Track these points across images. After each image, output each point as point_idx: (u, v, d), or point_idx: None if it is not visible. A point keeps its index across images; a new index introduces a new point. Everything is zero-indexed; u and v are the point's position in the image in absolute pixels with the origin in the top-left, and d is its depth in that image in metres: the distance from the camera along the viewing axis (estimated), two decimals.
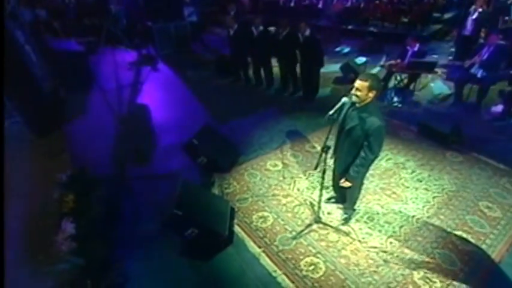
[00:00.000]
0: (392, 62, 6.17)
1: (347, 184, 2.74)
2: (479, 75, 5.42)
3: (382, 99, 5.82)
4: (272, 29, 6.60)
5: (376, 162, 4.08)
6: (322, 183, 2.88)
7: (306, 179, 3.86)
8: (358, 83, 2.35)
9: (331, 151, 2.76)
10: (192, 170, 4.07)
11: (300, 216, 3.30)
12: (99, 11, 9.71)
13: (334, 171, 3.09)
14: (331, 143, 2.68)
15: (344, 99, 2.46)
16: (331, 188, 3.40)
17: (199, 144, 3.96)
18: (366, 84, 2.31)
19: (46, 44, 7.17)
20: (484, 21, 6.85)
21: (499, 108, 5.41)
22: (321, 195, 2.98)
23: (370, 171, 3.91)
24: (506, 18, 8.20)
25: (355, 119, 2.48)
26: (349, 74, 6.83)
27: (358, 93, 2.35)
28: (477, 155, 4.28)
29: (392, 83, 6.50)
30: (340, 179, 2.87)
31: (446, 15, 11.45)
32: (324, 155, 2.62)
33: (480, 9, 6.87)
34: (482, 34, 7.12)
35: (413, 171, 3.98)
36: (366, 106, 2.43)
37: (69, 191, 3.33)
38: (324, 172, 2.77)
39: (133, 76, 7.80)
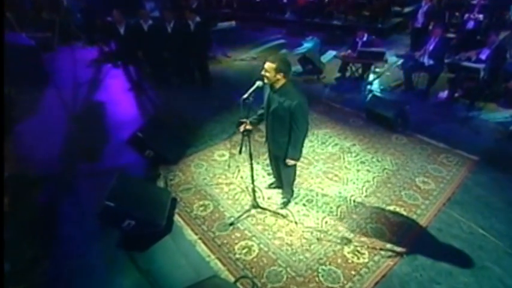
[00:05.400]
0: (344, 53, 6.33)
1: (292, 162, 2.76)
2: (426, 64, 5.65)
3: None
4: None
5: (322, 147, 4.27)
6: (251, 166, 2.90)
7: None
8: (266, 65, 2.42)
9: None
10: (140, 164, 4.02)
11: (240, 202, 3.31)
12: (57, 5, 9.33)
13: (269, 154, 3.12)
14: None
15: (258, 82, 2.50)
16: (272, 175, 3.44)
17: (145, 137, 3.89)
18: (273, 65, 2.38)
19: None
20: (432, 15, 7.14)
21: (445, 93, 5.66)
22: (252, 178, 3.00)
23: (315, 157, 4.03)
24: (457, 14, 8.62)
25: (275, 101, 2.53)
26: (307, 66, 6.95)
27: (267, 74, 2.42)
28: (421, 136, 4.45)
29: (348, 73, 6.69)
30: (277, 161, 2.91)
31: (406, 9, 11.80)
32: (245, 138, 2.64)
33: (429, 3, 7.17)
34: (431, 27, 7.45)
35: (357, 155, 4.08)
36: (283, 88, 2.49)
37: (5, 194, 3.21)
38: (250, 156, 2.79)
39: (92, 73, 7.60)
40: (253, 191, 3.13)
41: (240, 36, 10.07)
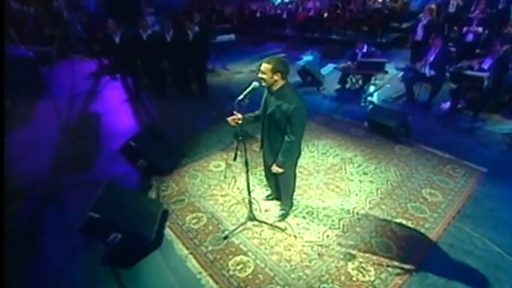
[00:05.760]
0: (343, 64, 6.28)
1: (278, 170, 2.58)
2: (428, 75, 5.57)
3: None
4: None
5: (322, 158, 4.09)
6: (247, 175, 2.72)
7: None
8: (262, 66, 2.30)
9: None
10: (133, 175, 3.84)
11: (235, 215, 3.10)
12: (58, 19, 9.42)
13: (264, 163, 2.95)
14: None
15: (254, 83, 2.38)
16: (268, 186, 3.25)
17: (138, 147, 3.73)
18: (270, 66, 2.27)
19: None
20: (432, 28, 7.15)
21: (447, 105, 5.54)
22: (248, 189, 2.81)
23: (316, 168, 3.85)
24: (455, 28, 8.67)
25: (273, 104, 2.40)
26: (307, 77, 6.88)
27: (264, 76, 2.31)
28: (425, 147, 4.28)
29: (348, 84, 6.61)
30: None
31: (405, 25, 11.93)
32: (239, 144, 2.48)
33: (429, 17, 7.21)
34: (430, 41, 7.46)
35: (359, 165, 3.90)
36: (281, 90, 2.36)
37: None
38: (246, 163, 2.62)
39: (89, 85, 7.54)
40: (250, 202, 2.94)
41: (239, 49, 10.11)
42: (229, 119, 2.52)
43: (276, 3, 14.91)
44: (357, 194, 3.36)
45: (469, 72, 4.52)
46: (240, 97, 2.37)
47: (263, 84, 2.35)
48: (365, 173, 3.74)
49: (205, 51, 6.32)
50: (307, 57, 9.53)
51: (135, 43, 5.74)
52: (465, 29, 7.09)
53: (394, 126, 4.31)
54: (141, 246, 2.76)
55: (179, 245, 2.79)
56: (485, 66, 4.75)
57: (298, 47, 10.41)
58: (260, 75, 2.32)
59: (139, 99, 6.33)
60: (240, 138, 2.46)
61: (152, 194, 3.47)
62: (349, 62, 6.19)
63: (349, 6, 11.24)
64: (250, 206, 2.95)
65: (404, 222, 2.94)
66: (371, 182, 3.58)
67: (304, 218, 3.03)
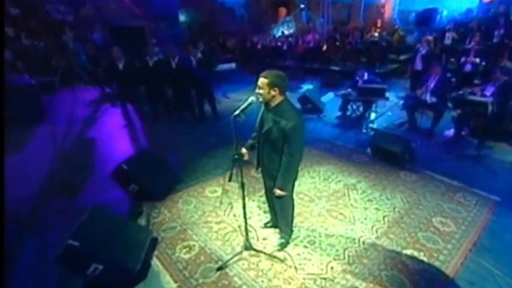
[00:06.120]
0: (344, 91, 6.27)
1: (279, 193, 2.39)
2: (429, 101, 5.51)
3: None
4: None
5: (324, 184, 3.88)
6: (243, 201, 2.52)
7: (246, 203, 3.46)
8: (259, 81, 2.19)
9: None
10: (123, 201, 3.62)
11: (230, 243, 2.84)
12: (63, 49, 9.70)
13: (264, 185, 2.75)
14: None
15: (251, 98, 2.27)
16: (268, 212, 3.03)
17: (130, 170, 3.56)
18: (266, 81, 2.16)
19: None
20: (430, 58, 7.26)
21: (450, 132, 5.42)
22: (245, 214, 2.59)
23: (317, 194, 3.63)
24: (452, 59, 8.85)
25: (269, 121, 2.26)
26: (307, 105, 6.86)
27: (261, 91, 2.20)
28: (431, 173, 4.08)
29: (349, 112, 6.55)
30: (271, 193, 2.54)
31: (402, 57, 12.24)
32: (235, 164, 2.31)
33: (427, 47, 7.36)
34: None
35: (363, 192, 3.68)
36: (279, 106, 2.24)
37: None
38: (242, 186, 2.43)
39: (88, 112, 7.53)
40: (246, 229, 2.70)
41: (240, 79, 10.28)
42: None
43: (277, 35, 15.50)
44: (362, 222, 3.12)
45: (472, 97, 4.43)
46: (236, 112, 2.24)
47: (260, 100, 2.23)
48: (370, 200, 3.51)
49: (210, 75, 6.46)
50: (307, 86, 9.63)
51: (140, 69, 5.99)
52: (463, 59, 7.18)
53: (399, 152, 4.15)
54: (123, 279, 2.48)
55: (166, 277, 2.52)
56: (488, 93, 4.69)
57: (298, 77, 10.57)
58: (257, 90, 2.20)
59: (137, 125, 6.29)
60: (236, 156, 2.29)
61: (142, 221, 3.23)
62: (349, 89, 6.18)
63: (348, 39, 11.59)
64: (247, 234, 2.71)
65: (416, 253, 2.68)
66: (377, 209, 3.34)
67: (305, 247, 2.77)
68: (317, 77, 10.40)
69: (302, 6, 15.82)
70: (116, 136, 5.90)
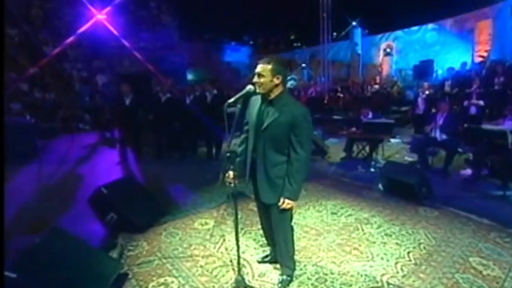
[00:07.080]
0: (349, 130, 6.05)
1: (289, 205, 1.94)
2: (439, 139, 5.22)
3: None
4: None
5: (333, 218, 3.35)
6: (236, 222, 2.04)
7: (241, 236, 2.91)
8: (259, 67, 1.88)
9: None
10: (99, 233, 3.09)
11: (218, 280, 2.26)
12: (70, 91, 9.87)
13: (259, 211, 2.27)
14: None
15: (249, 86, 1.94)
16: (266, 244, 2.50)
17: (110, 195, 3.11)
18: (269, 67, 1.85)
19: None
20: (432, 100, 7.22)
21: (468, 171, 4.97)
22: (237, 243, 2.08)
23: (325, 227, 3.10)
24: (455, 107, 8.84)
25: (273, 113, 1.91)
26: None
27: (262, 79, 1.87)
28: (455, 210, 3.55)
29: (354, 153, 6.22)
30: (268, 213, 2.08)
31: (403, 108, 12.36)
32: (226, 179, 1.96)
33: (427, 92, 7.39)
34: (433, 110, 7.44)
35: (379, 226, 3.13)
36: (280, 98, 1.93)
37: None
38: (235, 206, 2.00)
39: (84, 152, 7.27)
40: (239, 263, 2.15)
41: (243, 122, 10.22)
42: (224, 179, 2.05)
43: None
44: (382, 258, 2.54)
45: (488, 127, 4.11)
46: (231, 100, 1.91)
47: (258, 90, 1.91)
48: (388, 235, 2.95)
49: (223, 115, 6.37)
50: None
51: (150, 105, 6.01)
52: (466, 102, 7.09)
53: (415, 184, 3.68)
54: None
55: None
56: (505, 126, 4.37)
57: None
58: (256, 79, 1.89)
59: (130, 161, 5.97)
60: (228, 154, 1.91)
61: (114, 253, 2.67)
62: (354, 128, 5.95)
63: (349, 90, 11.89)
64: (239, 268, 2.15)
65: None
66: (397, 244, 2.77)
67: (314, 286, 2.17)
68: (319, 126, 10.33)
69: (303, 65, 16.76)
70: (107, 172, 5.52)
